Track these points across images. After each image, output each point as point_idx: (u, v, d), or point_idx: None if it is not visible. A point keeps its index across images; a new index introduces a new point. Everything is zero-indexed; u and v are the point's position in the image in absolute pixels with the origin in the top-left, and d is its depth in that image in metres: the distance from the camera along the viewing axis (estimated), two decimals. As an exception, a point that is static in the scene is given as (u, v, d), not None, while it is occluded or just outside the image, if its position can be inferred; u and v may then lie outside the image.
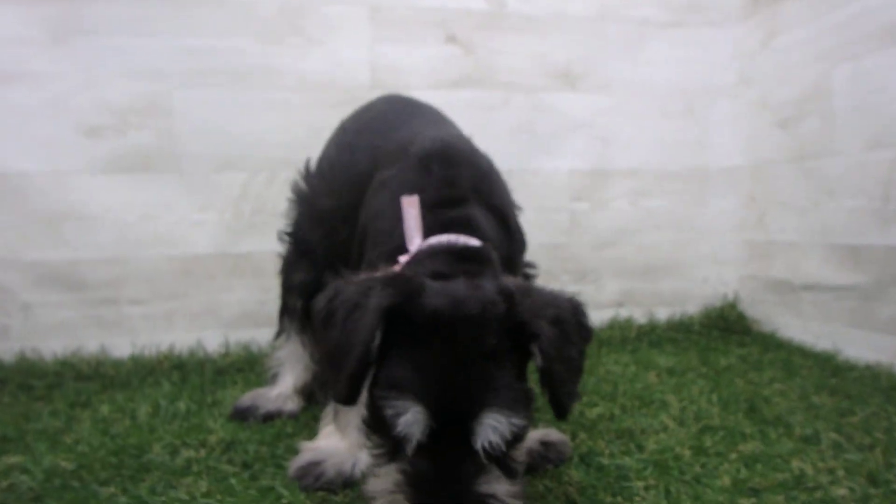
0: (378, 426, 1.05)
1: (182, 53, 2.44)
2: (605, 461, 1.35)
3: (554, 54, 2.78)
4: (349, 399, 1.06)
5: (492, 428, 0.98)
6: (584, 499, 1.18)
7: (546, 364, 1.04)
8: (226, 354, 2.40)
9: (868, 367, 2.07)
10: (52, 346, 2.34)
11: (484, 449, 0.98)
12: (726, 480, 1.25)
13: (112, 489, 1.27)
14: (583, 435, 1.52)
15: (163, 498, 1.22)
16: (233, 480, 1.30)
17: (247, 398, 1.83)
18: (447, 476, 0.99)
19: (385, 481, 1.02)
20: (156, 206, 2.45)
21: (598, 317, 2.74)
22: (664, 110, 2.87)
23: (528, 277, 1.78)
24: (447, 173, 1.40)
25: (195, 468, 1.38)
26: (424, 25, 2.66)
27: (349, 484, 1.26)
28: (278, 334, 1.95)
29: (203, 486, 1.27)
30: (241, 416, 1.74)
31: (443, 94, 2.65)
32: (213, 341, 2.47)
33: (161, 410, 1.82)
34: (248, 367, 2.32)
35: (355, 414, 1.29)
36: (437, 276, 1.15)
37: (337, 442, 1.38)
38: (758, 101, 2.75)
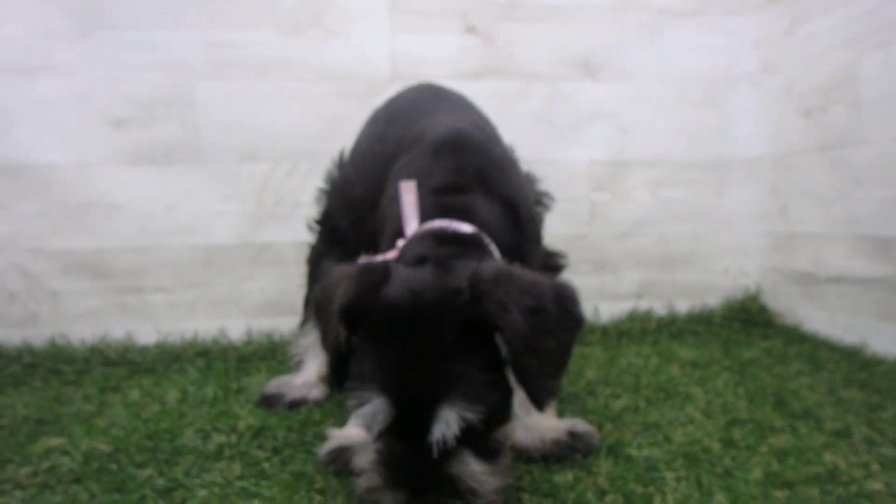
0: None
1: (205, 46, 2.47)
2: (634, 452, 1.35)
3: (573, 44, 2.76)
4: (335, 384, 1.14)
5: (445, 422, 1.00)
6: (614, 489, 1.18)
7: (513, 358, 1.03)
8: (248, 342, 2.44)
9: None
10: (79, 332, 2.39)
11: (441, 439, 1.00)
12: (758, 473, 1.24)
13: (149, 472, 1.31)
14: (609, 426, 1.52)
15: (198, 480, 1.26)
16: (265, 465, 1.33)
17: (272, 385, 1.87)
18: (417, 458, 1.02)
19: (364, 459, 1.09)
20: (179, 196, 2.48)
21: (617, 308, 2.76)
22: (685, 99, 2.83)
23: (556, 269, 1.79)
24: (456, 161, 1.41)
25: (227, 453, 1.41)
26: (444, 16, 2.66)
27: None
28: (303, 322, 1.98)
29: (237, 469, 1.31)
30: (268, 403, 1.78)
31: (463, 85, 2.62)
32: (235, 329, 2.52)
33: (189, 396, 1.86)
34: (271, 354, 2.36)
35: None
36: (418, 259, 1.17)
37: None
38: (781, 90, 2.69)
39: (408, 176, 1.40)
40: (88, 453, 1.40)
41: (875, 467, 1.26)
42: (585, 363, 2.13)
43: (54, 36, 2.34)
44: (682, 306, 2.80)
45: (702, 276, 2.87)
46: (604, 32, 2.78)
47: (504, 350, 1.04)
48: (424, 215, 1.32)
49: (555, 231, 2.73)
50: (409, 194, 1.33)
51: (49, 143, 2.37)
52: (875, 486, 1.18)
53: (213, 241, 2.52)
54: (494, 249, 1.29)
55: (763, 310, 2.73)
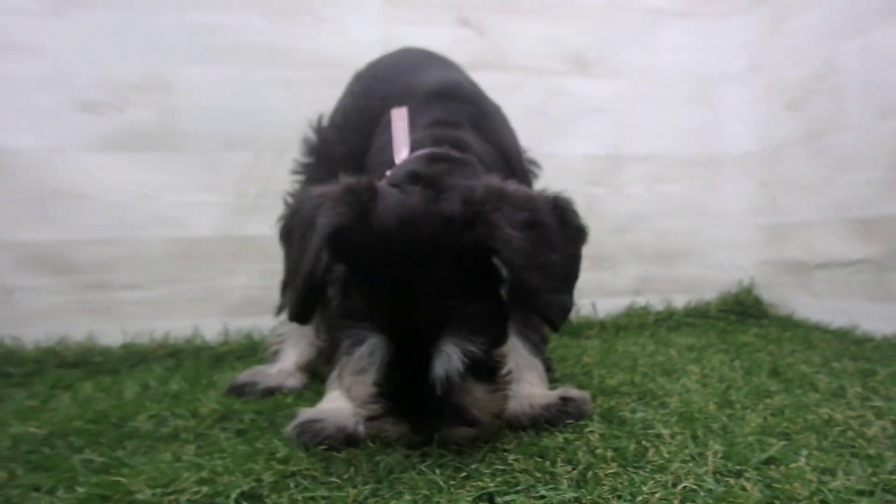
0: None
1: (186, 29, 2.35)
2: (628, 415, 1.25)
3: (567, 39, 2.72)
4: (301, 318, 1.06)
5: (447, 356, 0.97)
6: (606, 445, 1.07)
7: (515, 276, 0.98)
8: (224, 342, 2.25)
9: (886, 339, 2.02)
10: (34, 333, 2.17)
11: (443, 374, 0.97)
12: (754, 426, 1.18)
13: (86, 454, 1.11)
14: (603, 398, 1.41)
15: (143, 460, 1.06)
16: (224, 444, 1.13)
17: (245, 375, 1.68)
18: (418, 388, 0.98)
19: (362, 388, 1.03)
20: (154, 185, 2.32)
21: (615, 304, 2.65)
22: (677, 97, 2.83)
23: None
24: (448, 107, 1.36)
25: (183, 435, 1.23)
26: (437, 7, 2.59)
27: (352, 441, 1.12)
28: (281, 308, 1.79)
29: (191, 449, 1.12)
30: (238, 391, 1.59)
31: (455, 75, 2.57)
32: (211, 329, 2.32)
33: (150, 390, 1.67)
34: (249, 354, 2.17)
35: None
36: (410, 177, 1.08)
37: (341, 404, 1.24)
38: (767, 86, 2.75)
39: None
40: (18, 437, 1.21)
41: (870, 417, 1.22)
42: (583, 352, 2.03)
43: (22, 13, 2.21)
44: (679, 301, 2.72)
45: (698, 271, 2.81)
46: (597, 29, 2.76)
47: (504, 271, 0.99)
48: (415, 145, 1.23)
49: (553, 227, 2.61)
50: (400, 122, 1.25)
51: (13, 127, 2.21)
52: (870, 431, 1.14)
53: (190, 234, 2.35)
54: (479, 170, 1.21)
55: (758, 301, 2.70)
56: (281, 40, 2.42)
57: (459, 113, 1.36)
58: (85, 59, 2.26)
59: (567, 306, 1.03)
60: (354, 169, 1.49)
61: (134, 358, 2.10)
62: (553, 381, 1.60)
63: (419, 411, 1.01)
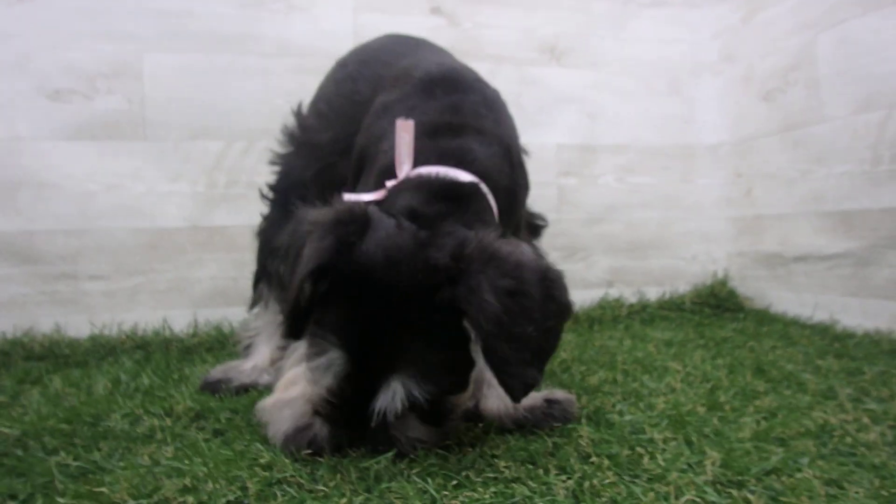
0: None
1: (154, 15, 2.29)
2: (616, 418, 1.24)
3: (540, 28, 2.72)
4: (291, 334, 1.08)
5: (391, 393, 0.99)
6: (598, 452, 1.05)
7: (484, 342, 0.96)
8: (194, 334, 2.23)
9: (867, 335, 2.02)
10: (0, 324, 2.14)
11: (381, 410, 0.99)
12: (748, 432, 1.16)
13: (61, 456, 1.10)
14: (586, 398, 1.41)
15: (121, 463, 1.06)
16: (203, 446, 1.14)
17: (218, 371, 1.67)
18: (359, 409, 1.01)
19: (317, 390, 1.04)
20: (122, 175, 2.28)
21: (588, 296, 2.68)
22: (650, 87, 2.85)
23: (535, 229, 1.72)
24: (452, 99, 1.33)
25: (159, 436, 1.22)
26: (409, -5, 2.56)
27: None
28: (254, 303, 1.79)
29: (169, 451, 1.12)
30: (212, 388, 1.58)
31: (429, 65, 2.55)
32: (180, 321, 2.30)
33: (121, 386, 1.65)
34: (219, 346, 2.16)
35: None
36: (410, 213, 1.10)
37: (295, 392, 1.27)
38: (741, 77, 2.76)
39: (398, 113, 1.30)
40: (-10, 438, 1.18)
41: (866, 421, 1.20)
42: (560, 347, 1.99)
43: (-15, -2, 2.14)
44: (653, 294, 2.75)
45: (671, 263, 2.84)
46: (570, 19, 2.76)
47: (474, 335, 0.99)
48: (419, 158, 1.21)
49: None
50: (405, 134, 1.21)
51: (-25, 114, 2.14)
52: (869, 437, 1.12)
53: (159, 224, 2.31)
54: (492, 200, 1.23)
55: (732, 294, 2.72)
56: (251, 28, 2.38)
57: (464, 108, 1.32)
58: (52, 46, 2.20)
59: (531, 382, 1.00)
60: (339, 155, 1.53)
61: (102, 350, 2.07)
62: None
63: (355, 426, 1.04)
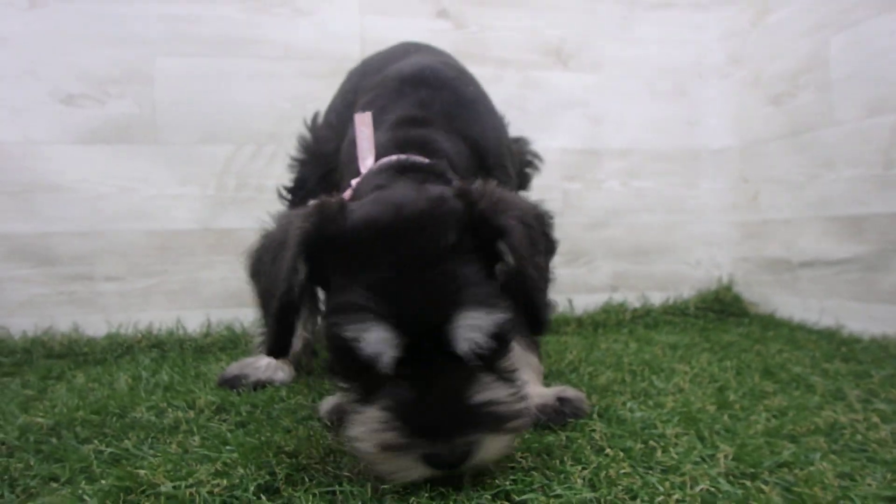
0: (344, 367, 0.94)
1: (164, 20, 2.35)
2: (627, 415, 1.27)
3: (545, 31, 2.75)
4: (277, 350, 0.98)
5: (470, 326, 0.87)
6: (612, 444, 1.09)
7: (518, 264, 0.93)
8: (206, 334, 2.28)
9: (874, 340, 2.02)
10: (21, 323, 2.20)
11: (469, 352, 0.87)
12: (759, 429, 1.18)
13: (95, 444, 1.15)
14: (596, 396, 1.43)
15: (151, 451, 1.11)
16: (229, 435, 1.19)
17: (234, 367, 1.72)
18: (435, 397, 0.86)
19: (369, 421, 0.88)
20: (134, 178, 2.33)
21: (591, 300, 2.70)
22: (655, 90, 2.85)
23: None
24: (420, 95, 1.32)
25: (185, 427, 1.27)
26: (415, -1, 2.61)
27: None
28: None
29: (196, 440, 1.17)
30: (229, 384, 1.63)
31: (434, 69, 2.60)
32: (193, 321, 2.36)
33: (142, 382, 1.70)
34: (232, 346, 2.21)
35: None
36: (376, 190, 1.06)
37: None
38: (749, 80, 2.73)
39: (371, 111, 1.29)
40: (24, 427, 1.24)
41: (875, 420, 1.21)
42: (565, 348, 2.05)
43: (1, 5, 2.19)
44: (656, 298, 2.76)
45: (675, 267, 2.85)
46: (575, 21, 2.78)
47: (508, 257, 0.94)
48: (380, 151, 1.20)
49: (529, 220, 2.68)
50: (364, 128, 1.20)
51: (-6, 119, 2.20)
52: (879, 435, 1.13)
53: (170, 227, 2.36)
54: (451, 178, 1.18)
55: (737, 299, 2.71)
56: (257, 32, 2.43)
57: (431, 104, 1.31)
58: (64, 52, 2.25)
59: (553, 309, 1.03)
60: (337, 164, 1.54)
61: (119, 349, 2.12)
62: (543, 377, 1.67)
63: (446, 422, 0.85)
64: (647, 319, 2.57)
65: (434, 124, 1.29)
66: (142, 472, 0.92)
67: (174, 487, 0.89)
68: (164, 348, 2.16)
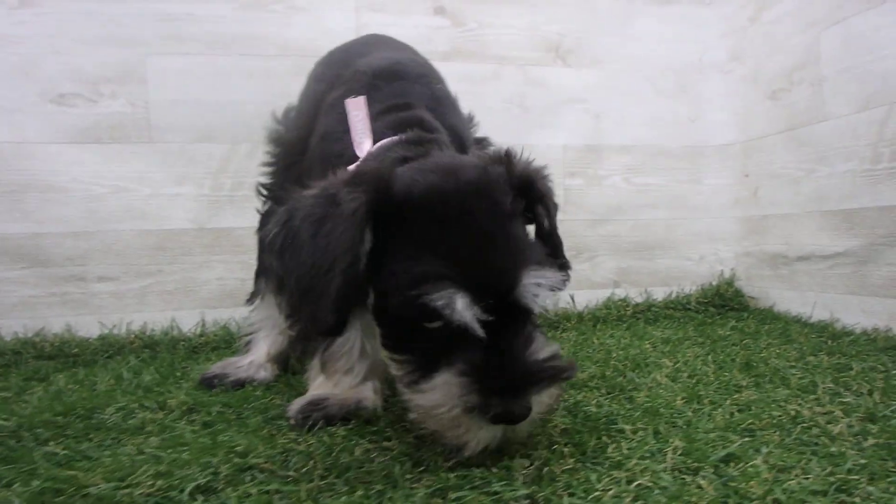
0: (402, 342, 0.98)
1: (157, 19, 2.34)
2: (594, 410, 1.26)
3: (545, 28, 2.71)
4: (337, 328, 0.96)
5: (537, 285, 0.93)
6: (566, 440, 1.07)
7: (551, 225, 1.08)
8: (201, 334, 2.26)
9: (865, 333, 2.01)
10: (13, 324, 2.19)
11: (537, 308, 0.94)
12: (719, 422, 1.17)
13: (51, 446, 1.12)
14: (572, 391, 1.42)
15: (107, 452, 1.08)
16: (188, 436, 1.15)
17: (216, 367, 1.70)
18: (507, 358, 0.91)
19: (448, 385, 0.91)
20: (128, 178, 2.32)
21: (594, 296, 2.66)
22: (656, 87, 2.82)
23: None
24: (395, 87, 1.33)
25: (149, 428, 1.24)
26: (411, -5, 2.58)
27: (349, 417, 1.21)
28: (252, 296, 1.81)
29: (155, 441, 1.13)
30: (209, 383, 1.60)
31: (431, 66, 2.56)
32: (189, 321, 2.33)
33: (123, 382, 1.68)
34: (226, 345, 2.19)
35: (344, 360, 1.27)
36: (400, 161, 1.06)
37: (331, 389, 1.28)
38: (749, 76, 2.72)
39: (343, 108, 1.29)
40: (-14, 429, 1.21)
41: (838, 413, 1.20)
42: (558, 344, 1.99)
43: (-5, 5, 2.20)
44: (659, 294, 2.72)
45: (678, 263, 2.80)
46: (575, 18, 2.74)
47: (545, 219, 1.07)
48: (377, 135, 1.20)
49: (530, 218, 2.63)
50: (358, 111, 1.20)
51: (-16, 119, 2.20)
52: (836, 428, 1.12)
53: (166, 227, 2.35)
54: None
55: (738, 294, 2.68)
56: (252, 29, 2.40)
57: (409, 95, 1.33)
58: (56, 51, 2.25)
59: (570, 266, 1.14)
60: (300, 153, 1.53)
61: (110, 349, 2.11)
62: None
63: (519, 382, 0.91)
64: (647, 315, 2.55)
65: (417, 107, 1.31)
66: (77, 473, 0.88)
67: (107, 488, 0.85)
68: (156, 349, 2.14)
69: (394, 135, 1.18)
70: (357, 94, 1.30)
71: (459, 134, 1.37)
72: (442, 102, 1.40)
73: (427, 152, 1.09)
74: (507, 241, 0.94)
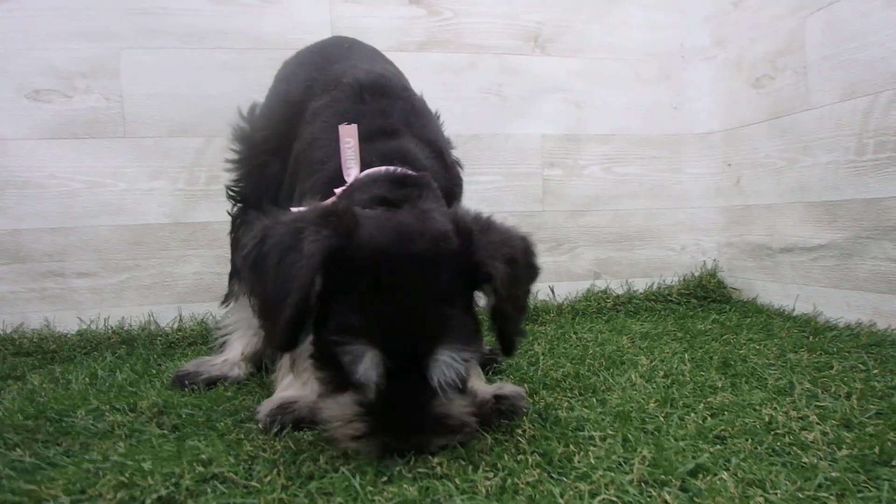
0: (327, 361, 1.06)
1: (131, 13, 2.32)
2: (564, 414, 1.25)
3: (522, 16, 2.70)
4: (286, 346, 1.05)
5: (446, 364, 1.00)
6: (533, 448, 1.07)
7: (497, 304, 1.05)
8: (178, 329, 2.28)
9: (848, 327, 1.99)
10: (-8, 320, 2.21)
11: (440, 382, 1.01)
12: (690, 429, 1.15)
13: (19, 452, 1.14)
14: (544, 392, 1.42)
15: (72, 460, 1.10)
16: (155, 442, 1.17)
17: (190, 365, 1.71)
18: (404, 402, 1.01)
19: (342, 409, 1.03)
20: (104, 173, 2.32)
21: (573, 288, 2.67)
22: (638, 74, 2.81)
23: None
24: (380, 104, 1.39)
25: (118, 431, 1.25)
26: (385, -15, 2.56)
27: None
28: (226, 298, 1.83)
29: (122, 447, 1.15)
30: (181, 382, 1.61)
31: (408, 57, 2.54)
32: (166, 315, 2.35)
33: (98, 381, 1.69)
34: (202, 340, 2.20)
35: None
36: (379, 201, 1.13)
37: (299, 389, 1.30)
38: (732, 62, 2.68)
39: (329, 118, 1.37)
40: (-48, 434, 1.23)
41: (813, 419, 1.18)
42: (534, 339, 2.03)
43: (-38, 0, 2.17)
44: (640, 285, 2.74)
45: (659, 253, 2.81)
46: (554, 4, 2.73)
47: (490, 298, 1.06)
48: (364, 162, 1.28)
49: (508, 209, 2.64)
50: (350, 139, 1.28)
51: (-42, 116, 2.19)
52: (811, 435, 1.10)
53: (142, 221, 2.35)
54: (439, 193, 1.29)
55: (720, 285, 2.68)
56: (225, 23, 2.39)
57: (393, 114, 1.39)
58: (30, 47, 2.23)
59: (524, 335, 1.15)
60: (271, 153, 1.60)
61: (88, 345, 2.12)
62: (498, 373, 1.64)
63: (405, 426, 1.02)
64: (628, 307, 2.55)
65: (402, 134, 1.37)
66: (35, 487, 0.90)
67: (68, 502, 0.86)
68: (133, 344, 2.16)
69: (380, 164, 1.25)
70: (343, 105, 1.38)
71: (438, 147, 1.44)
72: (420, 114, 1.47)
73: (406, 198, 1.17)
74: (429, 318, 1.01)
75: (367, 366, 0.98)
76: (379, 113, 1.38)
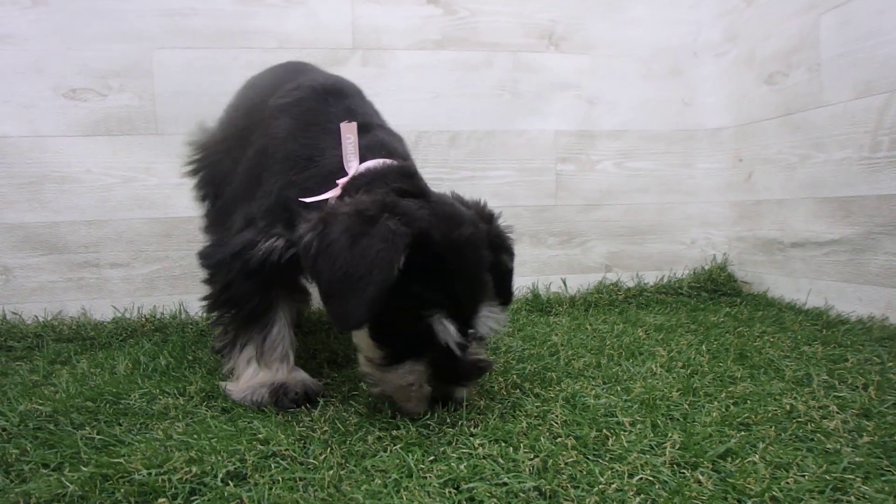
0: (387, 337, 1.25)
1: (161, 14, 2.41)
2: (591, 401, 1.33)
3: (536, 15, 2.76)
4: (361, 323, 1.18)
5: (489, 319, 1.27)
6: (567, 432, 1.15)
7: (509, 269, 1.44)
8: (208, 318, 2.38)
9: (860, 321, 2.02)
10: (33, 309, 2.32)
11: (482, 335, 1.29)
12: (715, 416, 1.22)
13: (87, 430, 1.25)
14: (569, 380, 1.50)
15: (138, 437, 1.21)
16: (211, 422, 1.28)
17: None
18: (453, 358, 1.24)
19: (415, 375, 1.25)
20: (136, 168, 2.42)
21: (586, 280, 2.76)
22: (649, 70, 2.86)
23: None
24: (344, 104, 1.54)
25: (173, 413, 1.36)
26: (404, -15, 2.63)
27: (312, 398, 1.42)
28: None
29: (180, 427, 1.26)
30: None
31: (425, 55, 2.64)
32: (195, 304, 2.45)
33: (141, 367, 1.80)
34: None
35: (280, 349, 1.49)
36: (403, 193, 1.29)
37: (271, 376, 1.47)
38: (744, 59, 2.71)
39: (299, 115, 1.52)
40: (25, 414, 1.34)
41: (833, 408, 1.24)
42: (551, 330, 2.10)
43: (5, 4, 2.27)
44: (651, 278, 2.81)
45: (670, 247, 2.88)
46: (567, 3, 2.78)
47: (508, 264, 1.43)
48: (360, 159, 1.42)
49: (522, 203, 2.73)
50: (350, 136, 1.40)
51: (1, 115, 2.29)
52: (832, 423, 1.16)
53: (173, 214, 2.45)
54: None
55: (730, 279, 2.74)
56: (251, 23, 2.48)
57: (357, 112, 1.52)
58: (67, 48, 2.33)
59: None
60: (224, 152, 1.76)
61: (124, 333, 2.23)
62: (522, 362, 1.71)
63: (460, 375, 1.27)
64: (639, 299, 2.61)
65: (374, 128, 1.52)
66: (121, 460, 1.01)
67: (148, 474, 0.97)
68: (166, 332, 2.27)
69: (371, 157, 1.40)
70: (308, 103, 1.52)
71: (399, 136, 1.62)
72: (377, 113, 1.66)
73: (421, 189, 1.34)
74: (479, 286, 1.28)
75: (450, 331, 1.18)
76: (346, 112, 1.50)
